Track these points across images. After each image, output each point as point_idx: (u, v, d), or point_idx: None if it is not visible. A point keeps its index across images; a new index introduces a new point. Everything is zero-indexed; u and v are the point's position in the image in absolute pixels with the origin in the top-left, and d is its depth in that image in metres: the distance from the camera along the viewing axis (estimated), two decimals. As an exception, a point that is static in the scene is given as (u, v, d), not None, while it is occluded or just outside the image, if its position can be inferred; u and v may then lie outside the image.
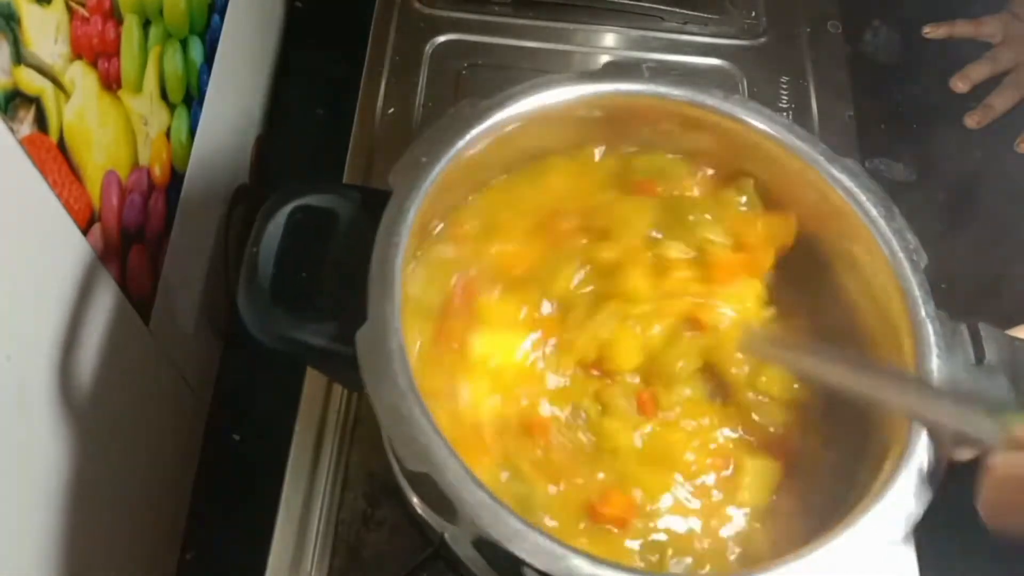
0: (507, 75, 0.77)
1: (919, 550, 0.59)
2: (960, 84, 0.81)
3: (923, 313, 0.50)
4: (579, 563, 0.41)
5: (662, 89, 0.55)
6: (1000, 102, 0.80)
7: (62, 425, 0.54)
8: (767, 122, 0.55)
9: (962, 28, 0.85)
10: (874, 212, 0.53)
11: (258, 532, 0.58)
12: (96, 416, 0.57)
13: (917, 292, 0.50)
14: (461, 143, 0.51)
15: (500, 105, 0.53)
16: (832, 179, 0.54)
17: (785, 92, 0.78)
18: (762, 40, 0.81)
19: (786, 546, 0.45)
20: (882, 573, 0.58)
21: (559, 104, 0.54)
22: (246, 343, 0.47)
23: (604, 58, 0.80)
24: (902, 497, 0.45)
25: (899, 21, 0.87)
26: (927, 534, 0.59)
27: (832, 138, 0.75)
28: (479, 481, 0.42)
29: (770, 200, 0.58)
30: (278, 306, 0.47)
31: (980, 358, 0.50)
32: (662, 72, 0.56)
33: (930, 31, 0.85)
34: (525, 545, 0.41)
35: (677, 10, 0.81)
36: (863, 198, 0.53)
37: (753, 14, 0.83)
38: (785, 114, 0.77)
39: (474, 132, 0.52)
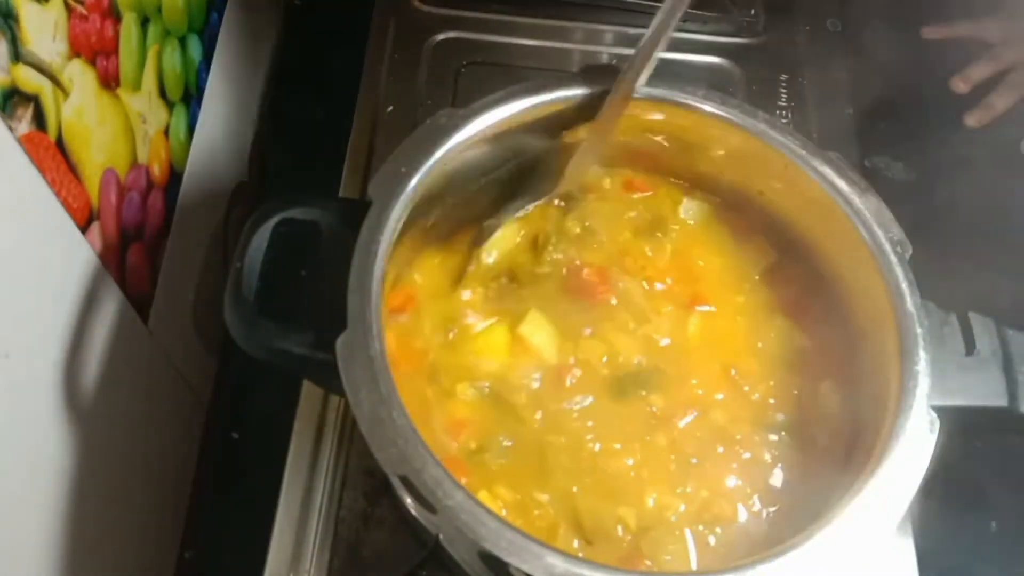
0: (506, 73, 0.77)
1: (918, 547, 0.59)
2: (961, 84, 0.81)
3: (909, 305, 0.50)
4: (555, 561, 0.41)
5: (639, 90, 0.55)
6: (1000, 101, 0.80)
7: (61, 423, 0.54)
8: (746, 118, 0.55)
9: (961, 29, 0.85)
10: (858, 203, 0.53)
11: (257, 530, 0.58)
12: (95, 414, 0.57)
13: (903, 284, 0.50)
14: (439, 153, 0.52)
15: (476, 114, 0.53)
16: (814, 172, 0.54)
17: (784, 91, 0.78)
18: (761, 38, 0.81)
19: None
20: (882, 570, 0.58)
21: (533, 112, 0.54)
22: (235, 355, 0.48)
23: (603, 56, 0.80)
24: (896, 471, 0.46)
25: (899, 20, 0.87)
26: (927, 532, 0.59)
27: (832, 137, 0.75)
28: (457, 482, 0.43)
29: (752, 195, 0.58)
30: (264, 317, 0.48)
31: (971, 349, 0.50)
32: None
33: (929, 32, 0.84)
34: (501, 543, 0.41)
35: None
36: (846, 190, 0.53)
37: (752, 12, 0.83)
38: (784, 112, 0.77)
39: (452, 142, 0.52)
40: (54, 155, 0.48)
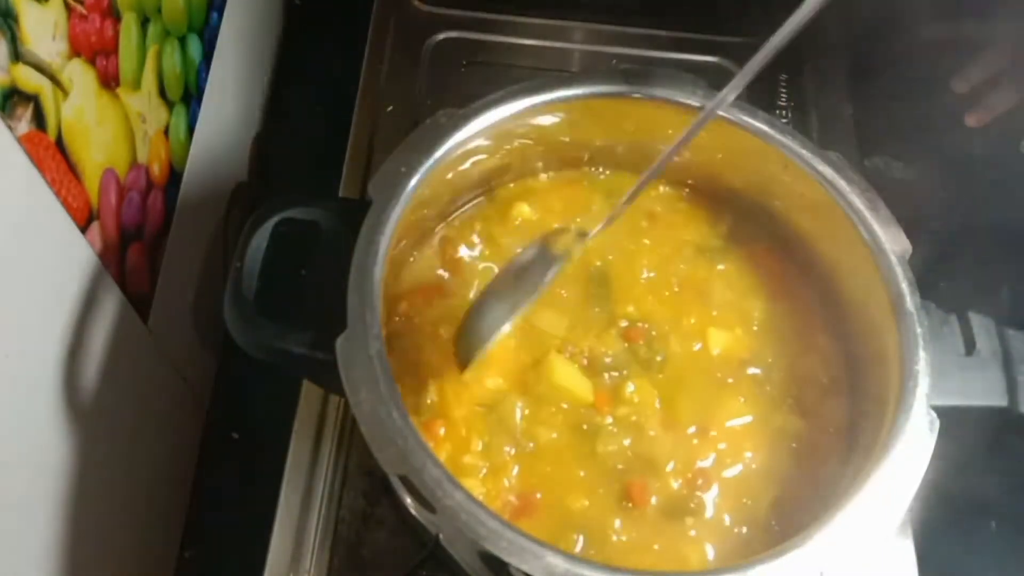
0: (506, 72, 0.77)
1: (918, 547, 0.59)
2: (961, 84, 0.81)
3: (908, 305, 0.50)
4: (555, 561, 0.41)
5: (637, 90, 0.55)
6: (1000, 101, 0.80)
7: (61, 422, 0.54)
8: (746, 118, 0.55)
9: (962, 28, 0.84)
10: (858, 203, 0.53)
11: (257, 530, 0.58)
12: (95, 414, 0.57)
13: (902, 284, 0.51)
14: (438, 153, 0.52)
15: (476, 114, 0.53)
16: (814, 172, 0.54)
17: (784, 90, 0.78)
18: (760, 38, 0.81)
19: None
20: (882, 570, 0.58)
21: (533, 111, 0.55)
22: (235, 355, 0.48)
23: (603, 56, 0.80)
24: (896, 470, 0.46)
25: (899, 20, 0.86)
26: (926, 532, 0.59)
27: (831, 137, 0.75)
28: (456, 482, 0.43)
29: (753, 195, 0.58)
30: (263, 317, 0.49)
31: (971, 349, 0.50)
32: (641, 72, 0.56)
33: (928, 32, 0.84)
34: (502, 543, 0.42)
35: (675, 7, 0.81)
36: (846, 190, 0.53)
37: (752, 11, 0.83)
38: (784, 112, 0.77)
39: (451, 142, 0.52)
40: (54, 155, 0.48)
